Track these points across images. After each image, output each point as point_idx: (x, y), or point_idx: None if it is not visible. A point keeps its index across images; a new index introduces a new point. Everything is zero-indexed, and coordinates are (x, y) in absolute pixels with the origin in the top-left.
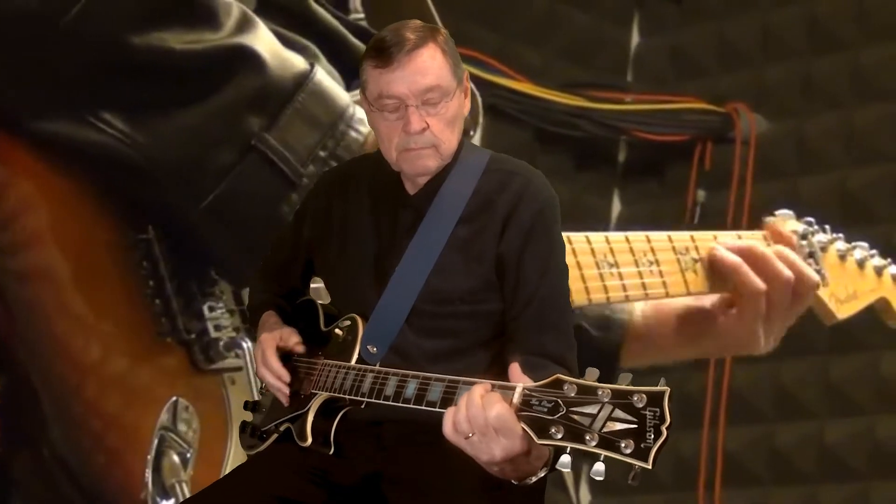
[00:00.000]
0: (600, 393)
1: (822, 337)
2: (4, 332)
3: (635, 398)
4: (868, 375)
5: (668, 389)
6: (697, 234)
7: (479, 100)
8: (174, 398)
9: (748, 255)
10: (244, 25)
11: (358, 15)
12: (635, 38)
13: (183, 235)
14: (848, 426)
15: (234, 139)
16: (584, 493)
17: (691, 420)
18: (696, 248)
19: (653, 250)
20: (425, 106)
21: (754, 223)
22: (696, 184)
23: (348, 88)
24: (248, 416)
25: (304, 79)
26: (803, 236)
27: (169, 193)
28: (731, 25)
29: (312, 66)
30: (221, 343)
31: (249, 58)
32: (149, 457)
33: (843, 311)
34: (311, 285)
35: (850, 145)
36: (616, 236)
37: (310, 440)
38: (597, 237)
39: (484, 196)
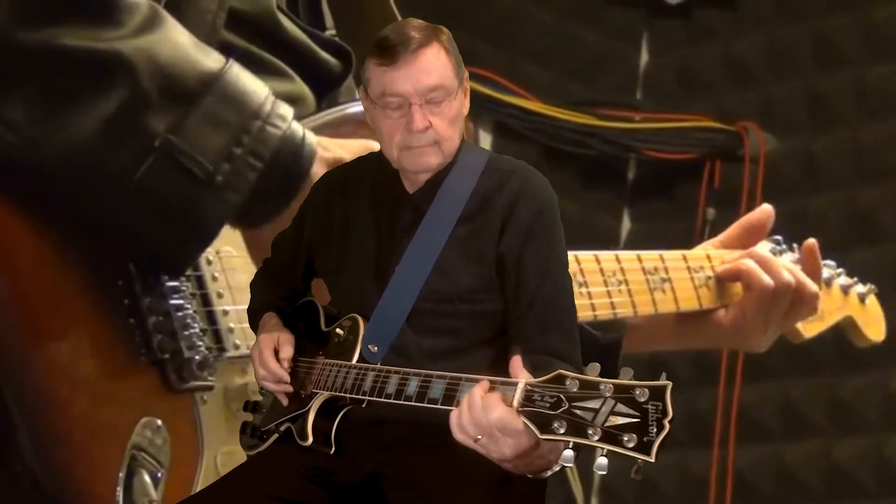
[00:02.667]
0: (602, 388)
1: (829, 355)
2: None
3: (637, 392)
4: (876, 394)
5: (670, 384)
6: (666, 254)
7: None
8: (146, 417)
9: (755, 258)
10: (149, 24)
11: (332, 31)
12: (644, 57)
13: (156, 253)
14: (856, 444)
15: (136, 141)
16: None
17: (701, 438)
18: (666, 269)
19: (622, 270)
20: (429, 105)
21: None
22: (705, 202)
23: (321, 106)
24: (247, 417)
25: (211, 80)
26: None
27: (78, 200)
28: (738, 44)
29: (226, 63)
30: (195, 363)
31: (146, 59)
32: (120, 475)
33: (809, 331)
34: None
35: (858, 163)
36: (606, 255)
37: (311, 440)
38: (585, 255)
39: (483, 195)
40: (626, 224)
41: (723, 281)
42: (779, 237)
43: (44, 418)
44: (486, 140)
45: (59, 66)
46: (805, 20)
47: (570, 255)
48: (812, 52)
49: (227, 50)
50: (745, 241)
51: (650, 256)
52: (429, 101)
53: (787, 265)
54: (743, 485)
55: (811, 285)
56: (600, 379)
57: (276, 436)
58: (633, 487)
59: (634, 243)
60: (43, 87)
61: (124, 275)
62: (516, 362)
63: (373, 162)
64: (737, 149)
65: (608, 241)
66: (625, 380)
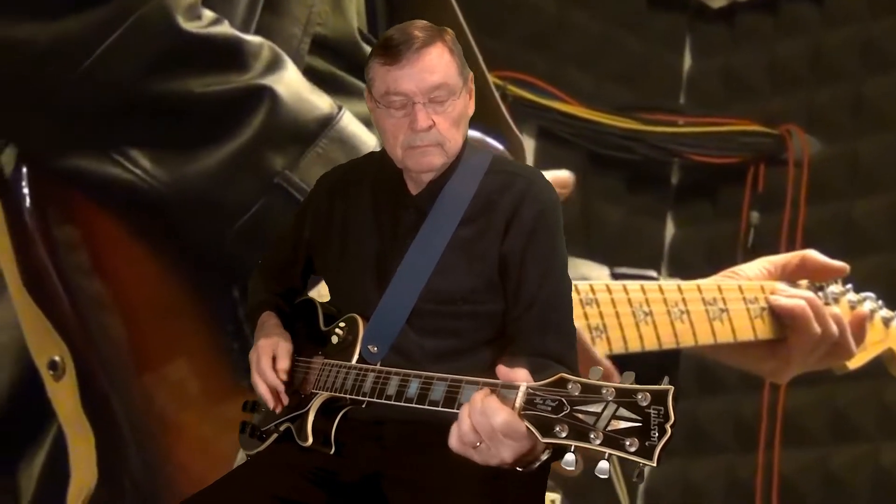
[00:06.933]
0: (604, 391)
1: (875, 360)
2: (97, 377)
3: (639, 397)
4: None
5: (672, 388)
6: (724, 284)
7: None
8: None
9: (811, 305)
10: (272, 66)
11: None
12: (687, 61)
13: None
14: None
15: (256, 177)
16: None
17: (747, 443)
18: (724, 300)
19: (684, 301)
20: (432, 104)
21: (808, 244)
22: (749, 206)
23: None
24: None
25: (327, 122)
26: (819, 288)
27: (194, 232)
28: (782, 47)
29: (340, 109)
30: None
31: (270, 99)
32: None
33: (854, 362)
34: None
35: None
36: (651, 286)
37: (311, 440)
38: (650, 286)
39: (486, 197)
40: (669, 228)
41: (776, 314)
42: (849, 286)
43: (152, 436)
44: (529, 145)
45: (189, 110)
46: (849, 23)
47: (636, 284)
48: (857, 56)
49: (310, 73)
50: (801, 275)
51: (709, 286)
52: (432, 100)
53: (843, 321)
54: (789, 490)
55: (851, 343)
56: (602, 383)
57: (275, 436)
58: (679, 492)
59: (678, 247)
60: (169, 129)
61: (228, 299)
62: (502, 367)
63: (375, 162)
64: (781, 152)
65: (652, 245)
66: (627, 384)
